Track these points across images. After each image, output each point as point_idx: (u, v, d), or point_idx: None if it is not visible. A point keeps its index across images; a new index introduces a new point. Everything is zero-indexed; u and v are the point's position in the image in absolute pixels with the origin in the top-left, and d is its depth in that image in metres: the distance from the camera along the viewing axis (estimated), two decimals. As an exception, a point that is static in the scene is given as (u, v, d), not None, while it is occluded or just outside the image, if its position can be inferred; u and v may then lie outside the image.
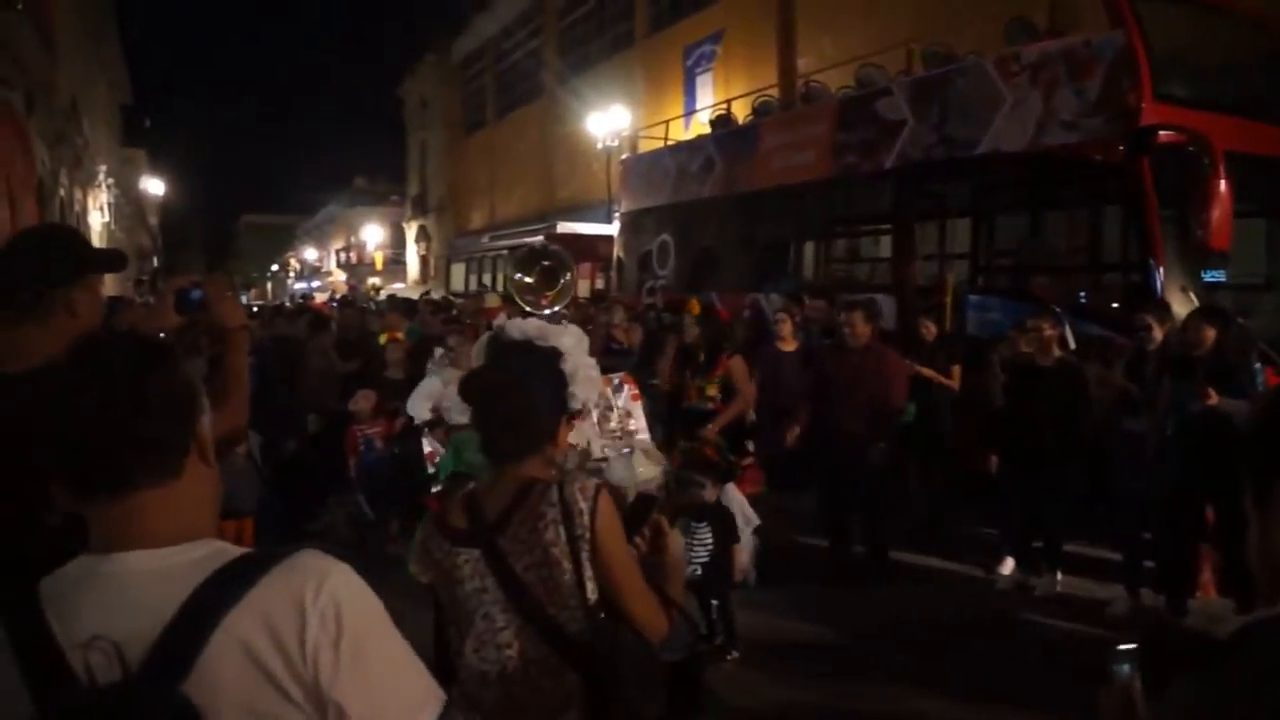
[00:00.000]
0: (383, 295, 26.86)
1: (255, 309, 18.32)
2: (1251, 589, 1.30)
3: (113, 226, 32.57)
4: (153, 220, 51.64)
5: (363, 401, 8.07)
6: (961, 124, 9.99)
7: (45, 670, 1.27)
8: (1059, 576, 7.04)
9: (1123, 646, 1.50)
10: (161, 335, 2.74)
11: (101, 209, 29.84)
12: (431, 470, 5.90)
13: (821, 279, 12.51)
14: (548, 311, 4.79)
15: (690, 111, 22.25)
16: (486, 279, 22.64)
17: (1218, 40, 9.44)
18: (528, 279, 4.89)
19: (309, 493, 8.58)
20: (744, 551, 6.27)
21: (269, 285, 75.74)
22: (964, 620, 6.60)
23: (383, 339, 9.00)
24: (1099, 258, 9.49)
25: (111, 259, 2.89)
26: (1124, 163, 8.24)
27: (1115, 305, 8.54)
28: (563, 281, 4.98)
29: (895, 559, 7.60)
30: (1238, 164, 7.64)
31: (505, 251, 21.67)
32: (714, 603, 5.97)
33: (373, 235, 57.02)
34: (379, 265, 54.48)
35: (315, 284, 61.59)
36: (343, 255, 63.59)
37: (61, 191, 21.17)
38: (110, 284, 16.41)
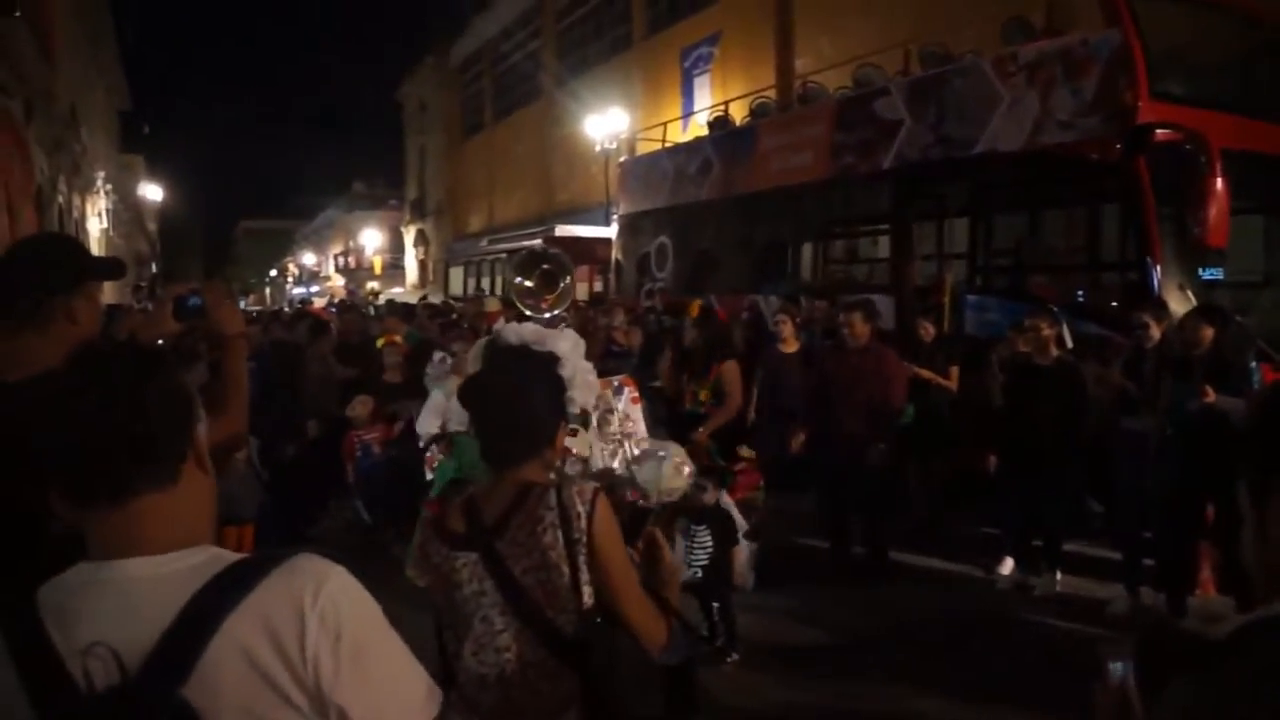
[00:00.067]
0: (381, 300, 26.84)
1: (255, 314, 18.31)
2: (1251, 587, 1.30)
3: (111, 233, 32.56)
4: (151, 226, 51.62)
5: (360, 407, 8.06)
6: (959, 124, 10.01)
7: (44, 677, 1.28)
8: (1059, 576, 7.04)
9: (1115, 643, 1.49)
10: (160, 342, 2.76)
11: (100, 215, 29.83)
12: (430, 475, 5.91)
13: (820, 280, 12.52)
14: (547, 315, 4.80)
15: (688, 113, 22.27)
16: (485, 283, 22.61)
17: (1214, 38, 9.45)
18: (528, 283, 4.90)
19: (309, 498, 8.58)
20: (741, 555, 6.27)
21: (268, 290, 75.73)
22: (964, 620, 6.60)
23: (380, 343, 8.99)
24: (1097, 257, 9.49)
25: (110, 267, 2.90)
26: (1121, 161, 8.25)
27: (1113, 304, 8.55)
28: (563, 285, 4.98)
29: (895, 559, 7.60)
30: (1234, 161, 7.65)
31: (504, 255, 21.64)
32: (715, 605, 5.97)
33: (371, 240, 57.05)
34: (378, 270, 54.50)
35: (314, 289, 61.60)
36: (341, 260, 63.65)
37: (60, 198, 21.17)
38: (109, 291, 16.41)
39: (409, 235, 49.31)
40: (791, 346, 8.78)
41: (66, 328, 2.43)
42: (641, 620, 2.31)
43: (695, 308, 10.25)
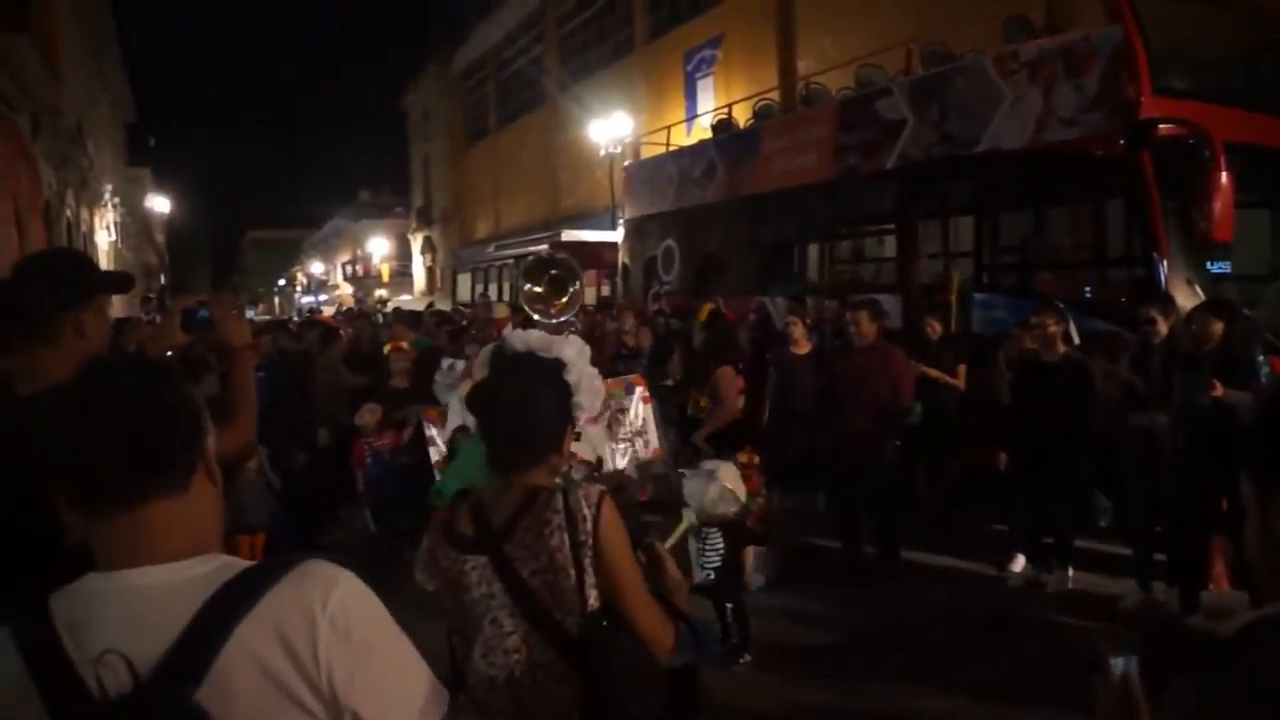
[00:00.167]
0: (389, 307, 26.88)
1: (265, 323, 18.33)
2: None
3: (119, 245, 32.68)
4: (159, 238, 51.75)
5: (368, 415, 8.08)
6: (962, 122, 10.01)
7: (58, 686, 1.30)
8: (1070, 572, 7.03)
9: (1118, 637, 1.49)
10: (169, 354, 2.78)
11: (108, 228, 29.94)
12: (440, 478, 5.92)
13: (826, 281, 12.52)
14: (554, 321, 4.83)
15: (692, 116, 22.27)
16: (493, 288, 22.65)
17: (1216, 31, 9.44)
18: (537, 288, 4.93)
19: (320, 507, 8.61)
20: (748, 556, 6.29)
21: (276, 300, 75.88)
22: (975, 618, 6.60)
23: (387, 349, 9.01)
24: (1102, 253, 9.48)
25: (118, 281, 2.93)
26: (1125, 157, 8.25)
27: (1120, 300, 8.54)
28: (571, 290, 5.02)
29: (906, 558, 7.60)
30: (1239, 155, 7.65)
31: (511, 261, 21.68)
32: (728, 606, 5.98)
33: (379, 247, 57.10)
34: (385, 277, 54.57)
35: (322, 298, 61.72)
36: (349, 268, 63.70)
37: (68, 212, 21.25)
38: (117, 303, 16.47)
39: (416, 242, 49.38)
40: (803, 348, 8.76)
41: (76, 342, 2.45)
42: (648, 623, 2.32)
43: (705, 311, 10.26)
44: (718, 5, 24.00)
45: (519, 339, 2.73)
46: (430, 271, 46.58)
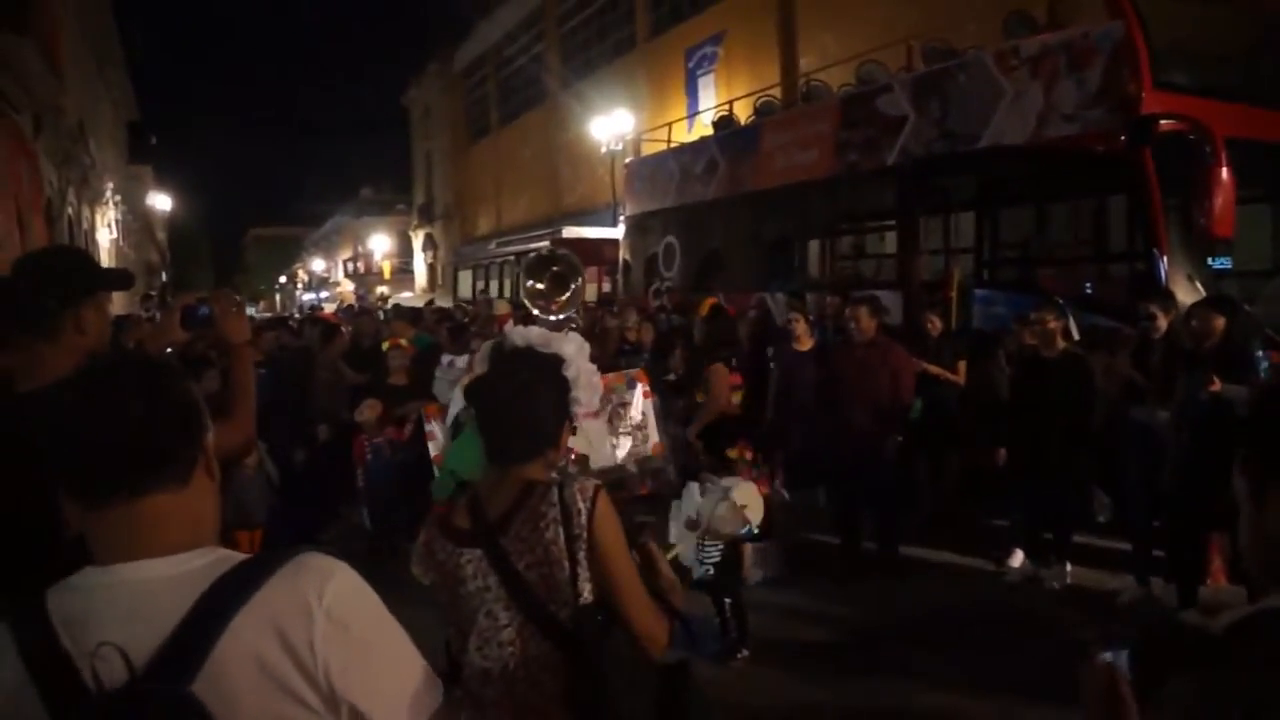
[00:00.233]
0: (390, 304, 26.89)
1: (267, 319, 18.34)
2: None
3: (121, 243, 32.69)
4: (161, 235, 51.78)
5: (368, 411, 8.07)
6: (963, 118, 10.02)
7: (55, 679, 1.30)
8: (1068, 568, 7.05)
9: (1109, 631, 1.49)
10: (169, 350, 2.79)
11: (110, 226, 29.95)
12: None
13: (827, 277, 12.53)
14: (554, 318, 4.84)
15: (693, 113, 22.27)
16: (494, 285, 22.66)
17: (1216, 27, 9.43)
18: (539, 285, 4.94)
19: (320, 502, 8.62)
20: (746, 551, 6.30)
21: (278, 297, 75.91)
22: (975, 614, 6.61)
23: (385, 345, 9.00)
24: (1103, 248, 9.49)
25: (119, 278, 2.94)
26: (1126, 152, 8.25)
27: (1120, 295, 8.54)
28: (573, 287, 5.03)
29: (905, 554, 7.60)
30: (1240, 150, 7.65)
31: (512, 258, 21.68)
32: (727, 601, 5.99)
33: (380, 244, 57.13)
34: (387, 274, 54.58)
35: (324, 295, 61.73)
36: (350, 265, 63.74)
37: (70, 211, 21.26)
38: (118, 301, 16.49)
39: (417, 239, 49.42)
40: (805, 344, 8.77)
41: (76, 338, 2.46)
42: (641, 617, 2.33)
43: (706, 306, 10.29)
44: (719, 2, 24.00)
45: (519, 335, 2.75)
46: (431, 268, 46.60)
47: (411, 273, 51.07)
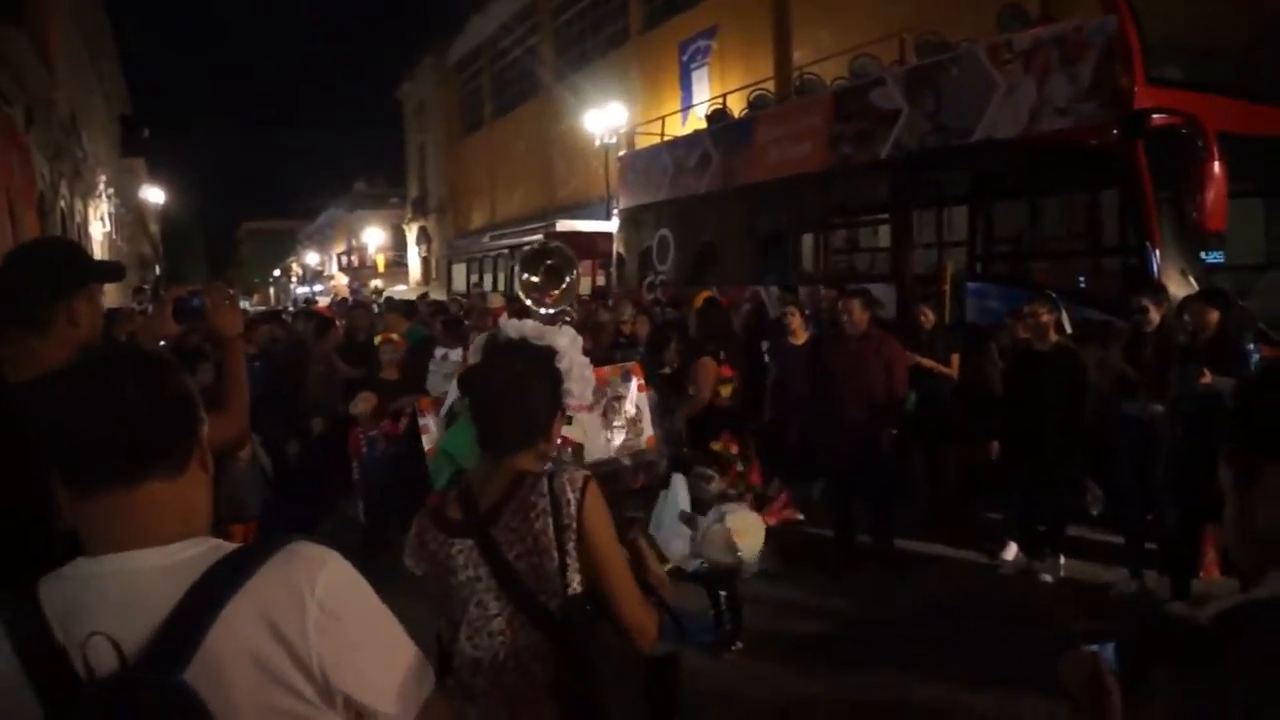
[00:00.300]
0: (383, 298, 26.86)
1: (262, 312, 18.28)
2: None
3: (114, 236, 32.64)
4: (154, 229, 51.69)
5: (363, 404, 8.06)
6: (956, 112, 10.02)
7: (48, 671, 1.30)
8: (1062, 560, 7.07)
9: (1091, 630, 1.48)
10: (162, 344, 2.79)
11: (102, 219, 29.89)
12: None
13: (821, 270, 12.54)
14: (545, 311, 4.85)
15: (687, 107, 22.25)
16: (488, 279, 22.65)
17: (1209, 21, 9.45)
18: (533, 278, 4.96)
19: (314, 496, 8.61)
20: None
21: (271, 291, 75.83)
22: (968, 607, 6.63)
23: (377, 340, 8.98)
24: (1096, 242, 9.51)
25: (111, 269, 2.94)
26: (1118, 146, 8.26)
27: (1113, 289, 8.55)
28: (567, 280, 5.04)
29: (900, 547, 7.62)
30: (1232, 144, 7.66)
31: (506, 251, 21.67)
32: (721, 594, 6.00)
33: (374, 238, 57.10)
34: (381, 268, 54.55)
35: (318, 288, 61.67)
36: (344, 259, 63.67)
37: (62, 204, 21.21)
38: (111, 294, 16.45)
39: (411, 233, 49.37)
40: (801, 338, 8.78)
41: (68, 330, 2.46)
42: (630, 608, 2.34)
43: (700, 300, 10.29)
44: (713, -4, 23.99)
45: (513, 327, 2.76)
46: (425, 262, 46.57)
47: (405, 266, 51.04)
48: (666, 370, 8.42)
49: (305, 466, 8.39)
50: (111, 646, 1.27)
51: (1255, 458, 1.24)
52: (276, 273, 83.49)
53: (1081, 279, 9.32)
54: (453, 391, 6.34)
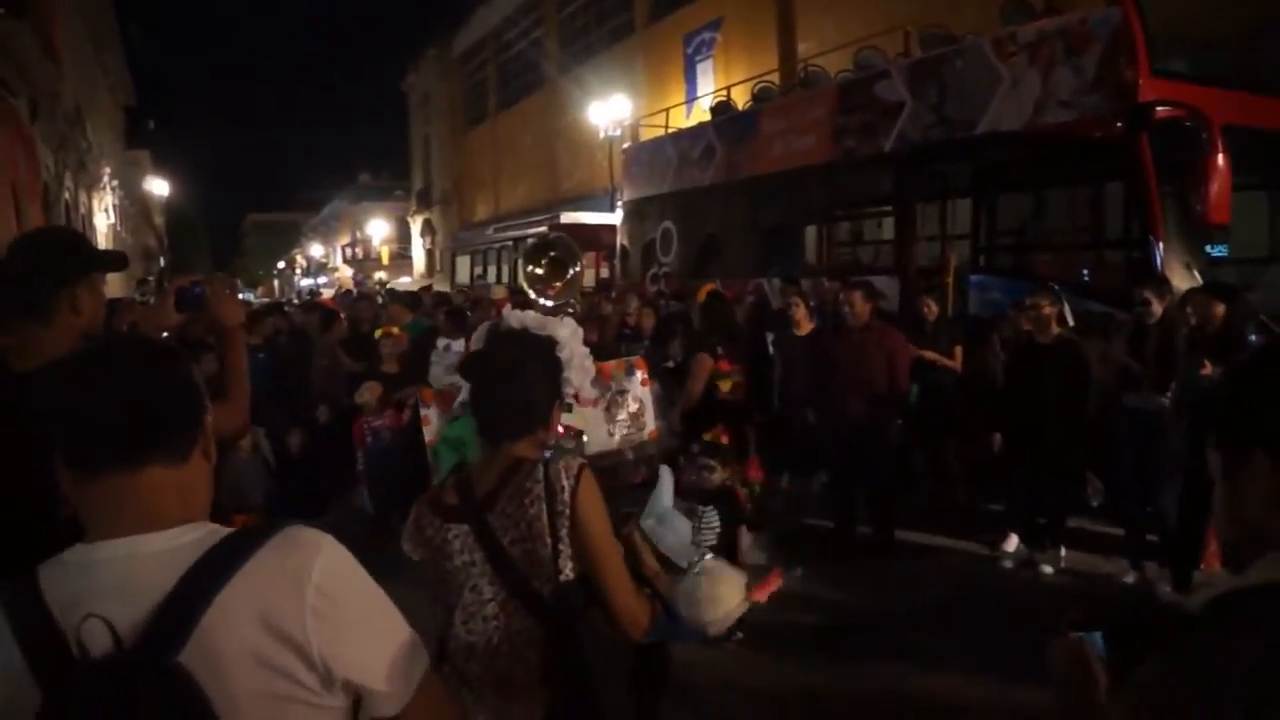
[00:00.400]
0: (386, 289, 26.87)
1: (265, 305, 18.30)
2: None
3: (118, 228, 32.68)
4: (158, 220, 51.75)
5: (368, 393, 8.08)
6: (960, 105, 10.01)
7: (49, 656, 1.31)
8: (1063, 552, 7.08)
9: (1083, 613, 1.49)
10: (165, 335, 2.80)
11: (107, 211, 29.94)
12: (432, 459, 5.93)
13: (825, 263, 12.54)
14: (548, 303, 4.86)
15: (691, 99, 22.23)
16: (492, 271, 22.66)
17: (1214, 14, 9.43)
18: (537, 270, 4.97)
19: (319, 486, 8.63)
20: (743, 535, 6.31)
21: (276, 283, 75.92)
22: (969, 598, 6.64)
23: (378, 333, 8.99)
24: (1100, 235, 9.50)
25: (114, 258, 2.95)
26: (1122, 139, 8.25)
27: (1117, 282, 8.55)
28: (571, 272, 5.05)
29: (900, 538, 7.64)
30: (1237, 137, 7.65)
31: (510, 243, 21.67)
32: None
33: (378, 230, 57.08)
34: (385, 260, 54.55)
35: (322, 280, 61.71)
36: (349, 251, 63.66)
37: (66, 195, 21.24)
38: (114, 283, 16.51)
39: (415, 225, 49.35)
40: (805, 329, 8.78)
41: (71, 319, 2.47)
42: (622, 597, 2.36)
43: (703, 292, 10.30)
44: (717, -13, 23.94)
45: (515, 317, 2.79)
46: (430, 254, 46.55)
47: (409, 258, 51.03)
48: (671, 364, 8.44)
49: (309, 457, 8.41)
50: (106, 628, 1.28)
51: (1242, 443, 1.24)
52: (281, 265, 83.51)
53: (1085, 272, 9.31)
54: (466, 389, 6.35)
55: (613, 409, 5.63)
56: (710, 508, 5.84)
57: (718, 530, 5.84)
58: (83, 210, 24.42)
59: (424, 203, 47.84)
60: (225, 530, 1.45)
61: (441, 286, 23.87)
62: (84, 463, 1.41)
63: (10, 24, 14.17)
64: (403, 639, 1.54)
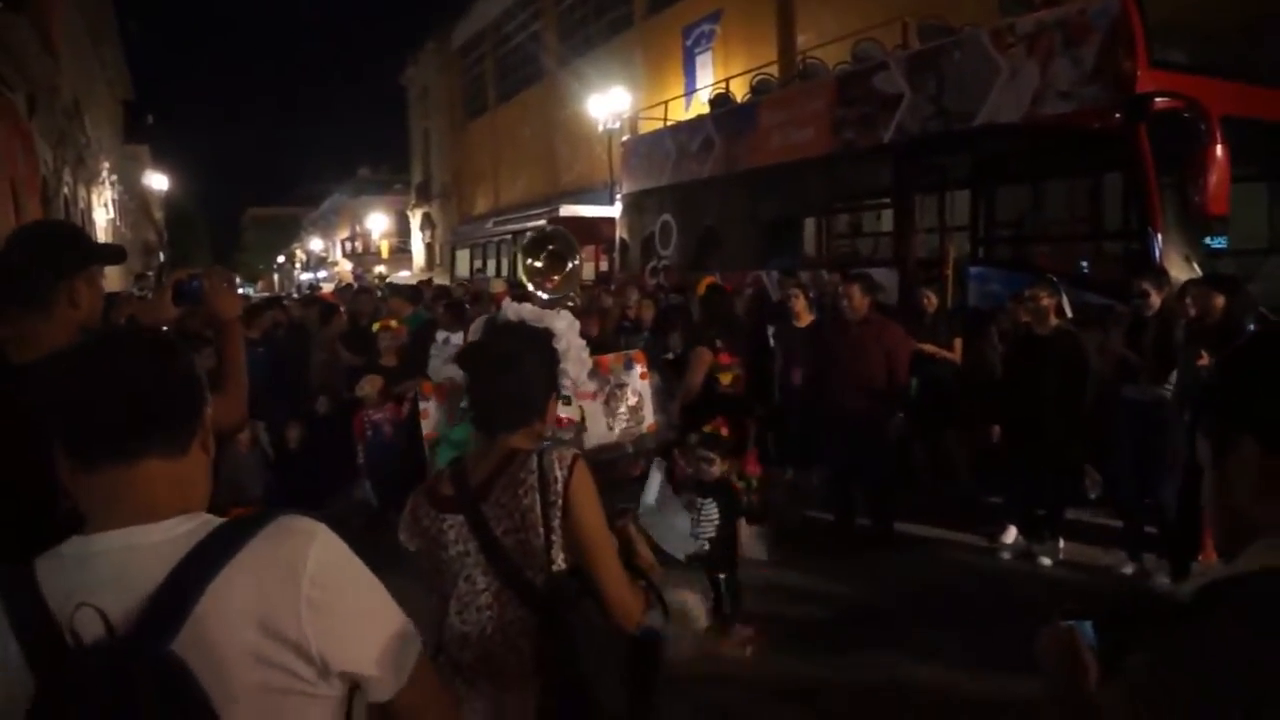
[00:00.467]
0: (386, 283, 26.88)
1: (265, 299, 18.28)
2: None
3: (118, 223, 32.67)
4: (158, 215, 51.72)
5: (368, 386, 8.09)
6: (959, 96, 10.00)
7: (45, 647, 1.31)
8: (1061, 544, 7.09)
9: (1076, 604, 1.49)
10: (164, 329, 2.81)
11: (106, 206, 29.93)
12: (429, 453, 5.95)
13: (824, 255, 12.54)
14: (546, 296, 4.87)
15: (690, 91, 22.20)
16: (491, 264, 22.66)
17: (1213, 4, 9.42)
18: (536, 264, 4.98)
19: (318, 480, 8.63)
20: (743, 528, 6.32)
21: (276, 277, 75.92)
22: (968, 590, 6.65)
23: (375, 327, 9.00)
24: (1099, 226, 9.50)
25: (112, 251, 2.95)
26: (1121, 130, 8.24)
27: (1115, 273, 8.55)
28: (570, 265, 5.06)
29: (899, 530, 7.64)
30: (1236, 128, 7.65)
31: (509, 237, 21.66)
32: (721, 577, 6.02)
33: (378, 224, 57.09)
34: (385, 254, 54.57)
35: (322, 274, 61.70)
36: (348, 245, 63.67)
37: (65, 190, 21.23)
38: (113, 278, 16.50)
39: (415, 219, 49.32)
40: (805, 320, 8.79)
41: (69, 312, 2.48)
42: (614, 587, 2.36)
43: (703, 285, 10.30)
44: (717, -20, 23.90)
45: (512, 310, 2.79)
46: (429, 248, 46.53)
47: (409, 252, 51.02)
48: (670, 355, 8.44)
49: (307, 450, 8.42)
50: (99, 617, 1.28)
51: (1232, 430, 1.24)
52: (281, 259, 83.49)
53: (1084, 263, 9.31)
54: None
55: (612, 402, 5.65)
56: (709, 500, 5.86)
57: (716, 523, 5.86)
58: (82, 205, 24.41)
59: (423, 196, 47.80)
60: (219, 520, 1.45)
61: (441, 280, 23.85)
62: (82, 455, 1.42)
63: (8, 18, 14.15)
64: (396, 626, 1.55)
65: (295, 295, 25.25)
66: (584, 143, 27.14)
